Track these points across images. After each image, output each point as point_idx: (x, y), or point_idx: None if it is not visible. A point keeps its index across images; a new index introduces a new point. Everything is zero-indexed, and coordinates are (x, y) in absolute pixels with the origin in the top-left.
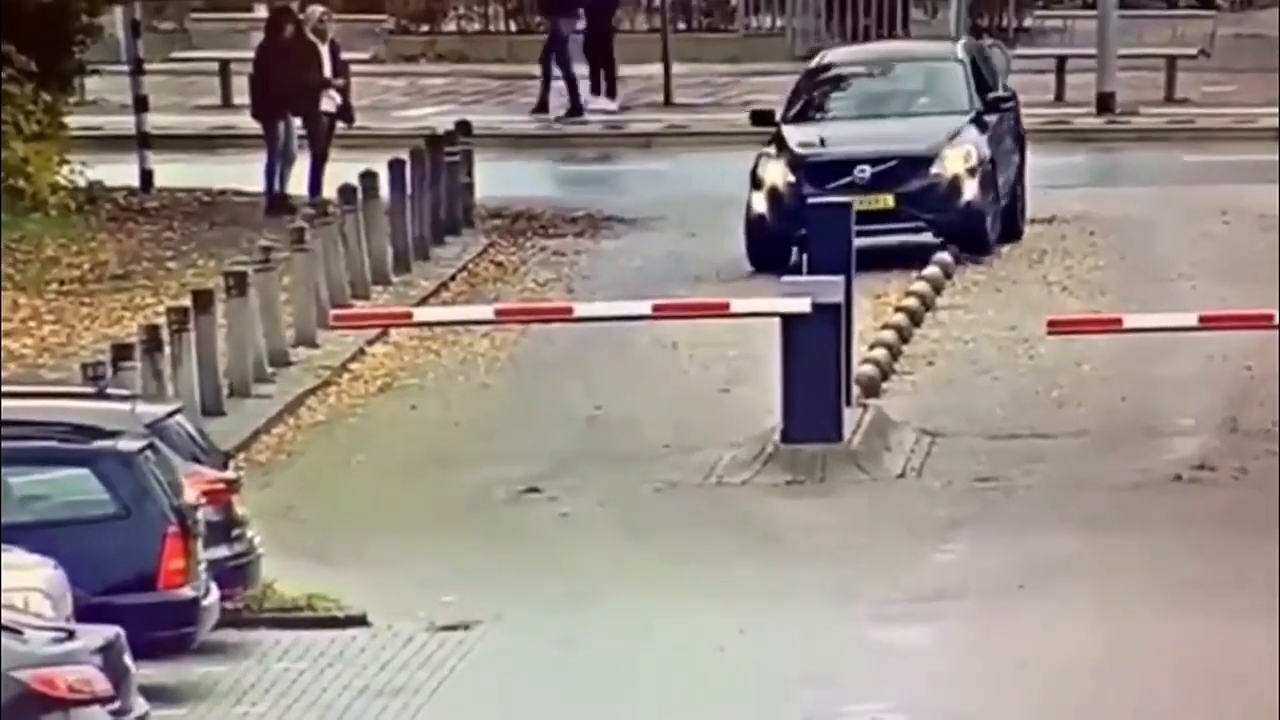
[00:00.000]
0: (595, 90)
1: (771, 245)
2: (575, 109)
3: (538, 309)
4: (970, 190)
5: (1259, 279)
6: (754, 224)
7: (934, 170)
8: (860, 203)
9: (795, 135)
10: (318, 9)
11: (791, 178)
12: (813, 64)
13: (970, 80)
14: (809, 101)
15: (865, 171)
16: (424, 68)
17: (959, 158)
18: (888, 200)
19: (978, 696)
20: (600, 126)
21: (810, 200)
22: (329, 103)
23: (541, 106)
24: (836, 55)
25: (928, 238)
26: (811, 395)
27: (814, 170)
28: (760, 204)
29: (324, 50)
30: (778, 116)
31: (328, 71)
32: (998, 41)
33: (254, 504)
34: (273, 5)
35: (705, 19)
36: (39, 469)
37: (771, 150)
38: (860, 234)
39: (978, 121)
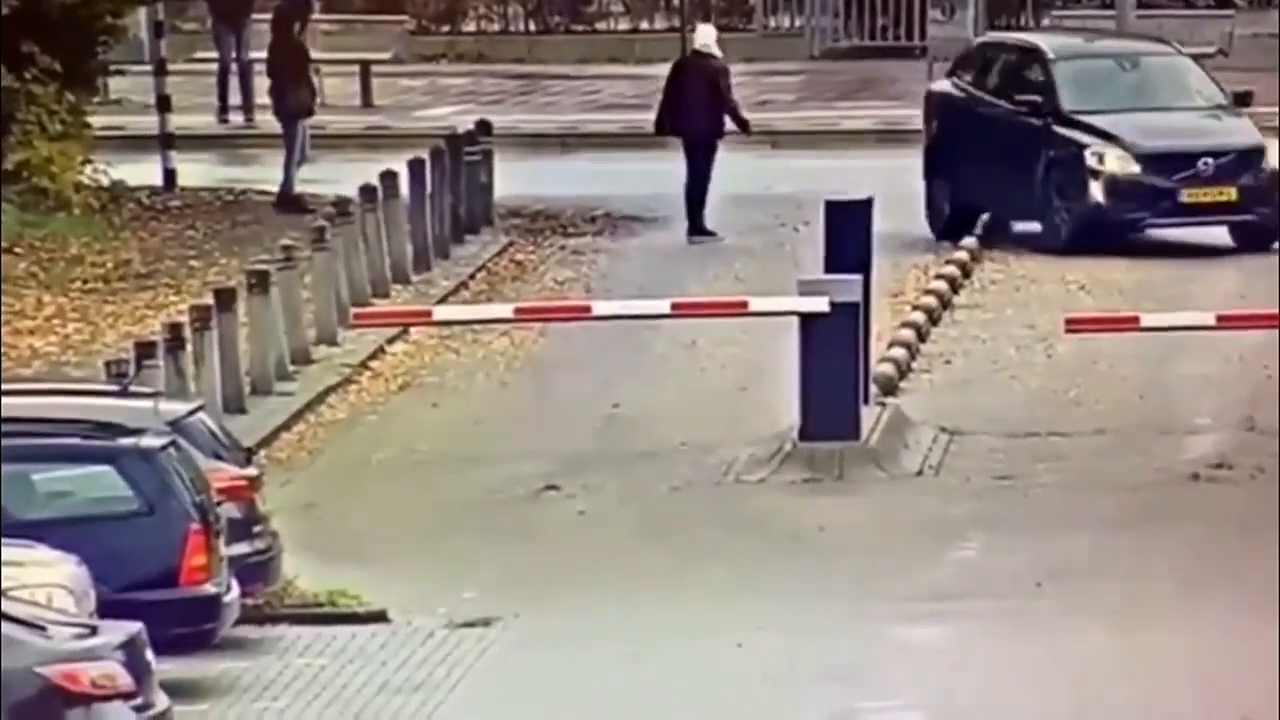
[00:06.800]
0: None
1: (1111, 231)
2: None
3: (557, 307)
4: None
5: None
6: (1092, 211)
7: (1264, 163)
8: (1204, 194)
9: (1115, 127)
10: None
11: (1135, 167)
12: (1048, 56)
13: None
14: (1059, 95)
15: (1209, 164)
16: (444, 68)
17: (1275, 151)
18: (1231, 193)
19: (994, 695)
20: (618, 126)
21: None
22: None
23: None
24: (1056, 48)
25: None
26: (829, 393)
27: (1159, 161)
28: (1098, 193)
29: None
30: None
31: None
32: None
33: (275, 501)
34: (277, 4)
35: (723, 18)
36: (63, 466)
37: (1097, 141)
38: (1195, 224)
39: (1237, 115)
